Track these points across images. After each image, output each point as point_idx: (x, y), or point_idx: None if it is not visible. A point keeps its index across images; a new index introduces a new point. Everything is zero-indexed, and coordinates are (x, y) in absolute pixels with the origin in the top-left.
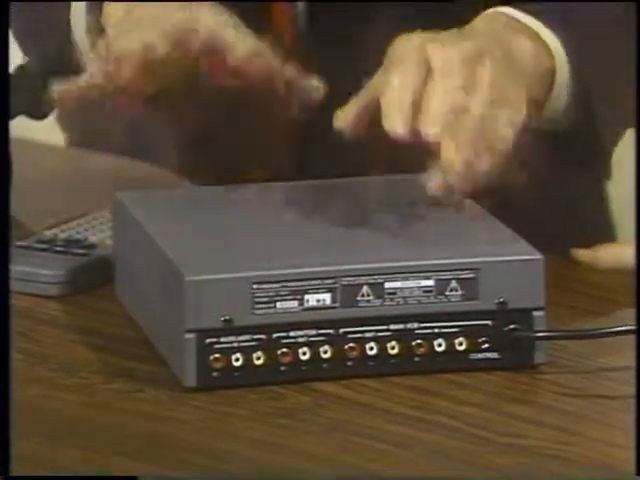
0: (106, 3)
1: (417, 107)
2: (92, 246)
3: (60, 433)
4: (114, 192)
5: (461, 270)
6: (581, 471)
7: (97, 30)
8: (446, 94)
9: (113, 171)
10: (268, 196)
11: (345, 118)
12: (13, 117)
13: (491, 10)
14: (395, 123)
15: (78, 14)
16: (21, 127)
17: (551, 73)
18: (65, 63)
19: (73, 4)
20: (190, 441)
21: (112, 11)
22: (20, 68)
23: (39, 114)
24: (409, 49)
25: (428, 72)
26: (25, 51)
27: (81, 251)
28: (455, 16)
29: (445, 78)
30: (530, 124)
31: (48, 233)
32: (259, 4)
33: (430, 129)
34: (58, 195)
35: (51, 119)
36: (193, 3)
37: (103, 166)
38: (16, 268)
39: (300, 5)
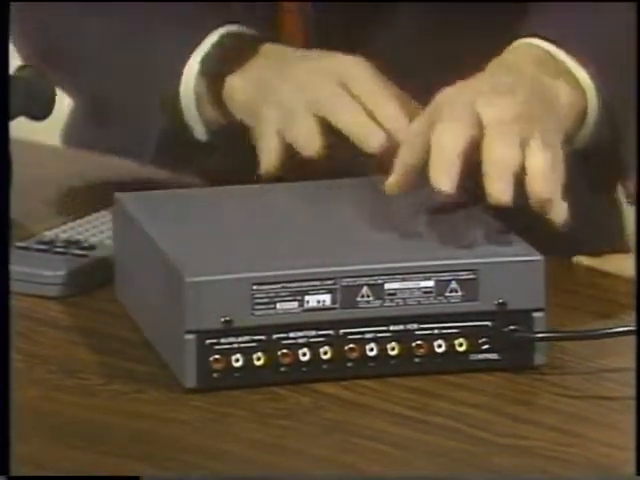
0: (229, 76)
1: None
2: (92, 247)
3: (60, 434)
4: (114, 193)
5: (461, 271)
6: (581, 472)
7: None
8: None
9: (113, 172)
10: (268, 197)
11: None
12: (13, 118)
13: (521, 42)
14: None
15: (188, 87)
16: (21, 128)
17: (584, 111)
18: None
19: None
20: (190, 442)
21: (238, 84)
22: (20, 68)
23: (39, 115)
24: (459, 107)
25: (480, 131)
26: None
27: (81, 252)
28: (464, 20)
29: (501, 141)
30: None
31: (48, 234)
32: (268, 5)
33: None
34: (58, 196)
35: (51, 120)
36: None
37: (103, 167)
38: (16, 269)
39: (310, 7)
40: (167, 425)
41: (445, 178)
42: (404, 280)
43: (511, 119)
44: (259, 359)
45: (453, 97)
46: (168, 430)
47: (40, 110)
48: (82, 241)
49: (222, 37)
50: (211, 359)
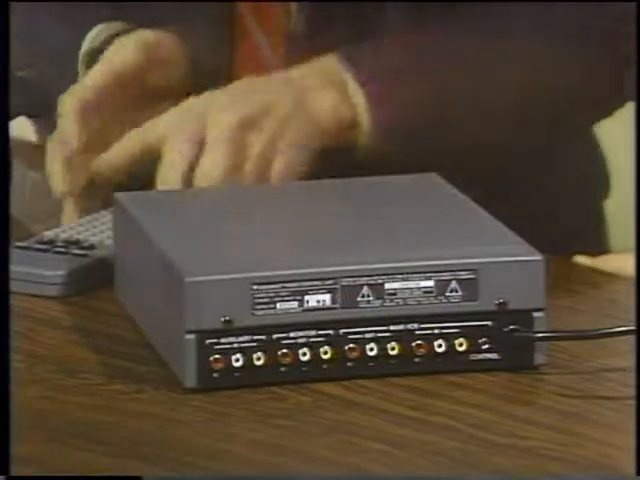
0: None
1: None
2: (92, 247)
3: (60, 434)
4: (114, 192)
5: (461, 271)
6: (581, 472)
7: None
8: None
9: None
10: (268, 196)
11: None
12: (13, 117)
13: (324, 58)
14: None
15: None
16: (21, 127)
17: (352, 120)
18: None
19: None
20: (190, 442)
21: None
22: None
23: (40, 114)
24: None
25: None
26: None
27: (81, 252)
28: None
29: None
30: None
31: (48, 234)
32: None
33: None
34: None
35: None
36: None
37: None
38: (16, 269)
39: (293, 6)
40: (167, 425)
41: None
42: (404, 280)
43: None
44: (259, 359)
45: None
46: (168, 430)
47: (39, 110)
48: (82, 241)
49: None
50: (211, 359)
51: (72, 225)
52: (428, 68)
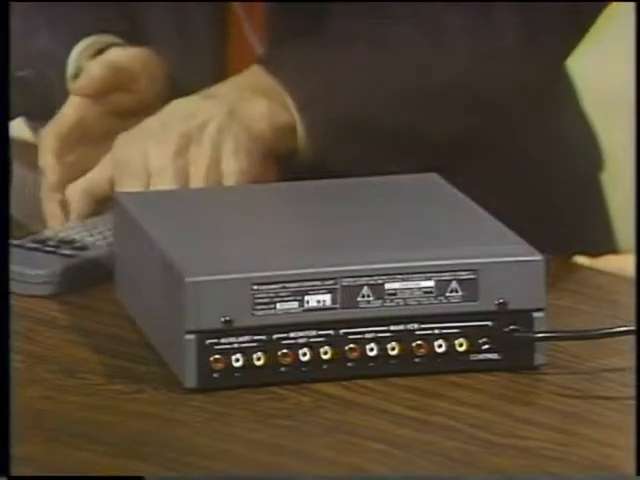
0: None
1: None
2: (84, 247)
3: (60, 434)
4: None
5: (461, 271)
6: (581, 472)
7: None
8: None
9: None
10: (268, 196)
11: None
12: (14, 118)
13: (249, 70)
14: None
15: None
16: (21, 128)
17: (287, 125)
18: None
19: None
20: (190, 442)
21: None
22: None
23: (39, 115)
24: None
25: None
26: None
27: (70, 252)
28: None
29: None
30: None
31: (47, 233)
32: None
33: None
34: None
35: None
36: None
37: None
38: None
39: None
40: (167, 425)
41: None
42: (404, 280)
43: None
44: (259, 359)
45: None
46: (168, 430)
47: (39, 111)
48: (76, 241)
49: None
50: (211, 359)
51: (73, 225)
52: (350, 65)
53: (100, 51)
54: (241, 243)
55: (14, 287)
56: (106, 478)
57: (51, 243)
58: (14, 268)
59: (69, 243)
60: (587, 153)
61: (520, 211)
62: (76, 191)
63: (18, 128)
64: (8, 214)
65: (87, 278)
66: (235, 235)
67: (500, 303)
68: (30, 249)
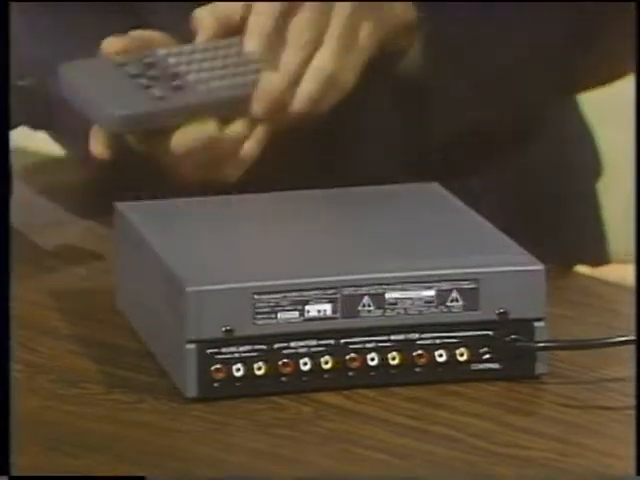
0: None
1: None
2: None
3: (60, 443)
4: (114, 202)
5: (462, 280)
6: None
7: None
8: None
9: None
10: (269, 206)
11: None
12: (14, 127)
13: None
14: None
15: None
16: (22, 137)
17: (411, 24)
18: None
19: None
20: (191, 451)
21: None
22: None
23: (40, 124)
24: None
25: None
26: None
27: (161, 93)
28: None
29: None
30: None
31: (161, 52)
32: None
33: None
34: (59, 205)
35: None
36: None
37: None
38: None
39: None
40: (168, 434)
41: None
42: (405, 289)
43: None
44: (260, 369)
45: None
46: (169, 439)
47: (40, 120)
48: (180, 75)
49: None
50: (212, 369)
51: (193, 48)
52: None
53: None
54: (242, 252)
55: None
56: (106, 478)
57: (152, 73)
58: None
59: (170, 78)
60: (587, 159)
61: (520, 219)
62: (206, 10)
63: (19, 138)
64: (8, 225)
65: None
66: (236, 244)
67: (501, 313)
68: (130, 75)
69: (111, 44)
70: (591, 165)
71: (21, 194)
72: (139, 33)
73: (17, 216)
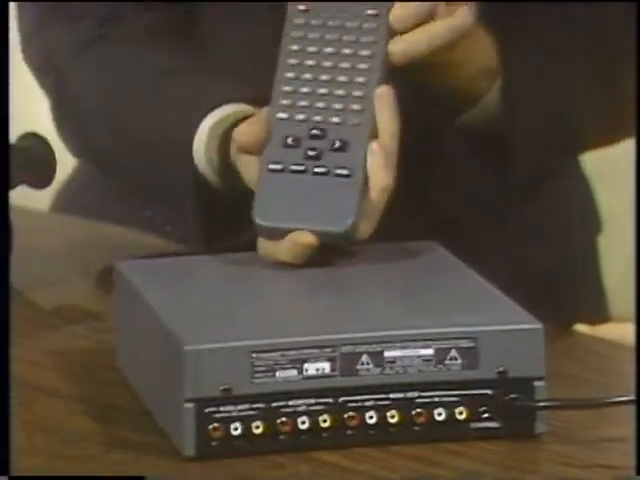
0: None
1: None
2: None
3: None
4: (114, 260)
5: (461, 339)
6: None
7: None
8: None
9: (112, 239)
10: (267, 264)
11: None
12: (14, 187)
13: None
14: None
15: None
16: (22, 196)
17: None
18: None
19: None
20: None
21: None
22: (22, 137)
23: (40, 184)
24: None
25: None
26: None
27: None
28: None
29: None
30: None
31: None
32: None
33: None
34: (59, 263)
35: (52, 188)
36: None
37: (103, 234)
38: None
39: None
40: None
41: None
42: (404, 348)
43: None
44: (258, 427)
45: None
46: None
47: (41, 179)
48: None
49: (233, 112)
50: (210, 427)
51: None
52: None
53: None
54: (240, 311)
55: None
56: (106, 478)
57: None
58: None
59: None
60: (586, 217)
61: (519, 278)
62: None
63: (19, 196)
64: (9, 284)
65: None
66: (234, 302)
67: (500, 371)
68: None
69: (244, 134)
70: (590, 223)
71: (21, 253)
72: (261, 117)
73: (17, 275)
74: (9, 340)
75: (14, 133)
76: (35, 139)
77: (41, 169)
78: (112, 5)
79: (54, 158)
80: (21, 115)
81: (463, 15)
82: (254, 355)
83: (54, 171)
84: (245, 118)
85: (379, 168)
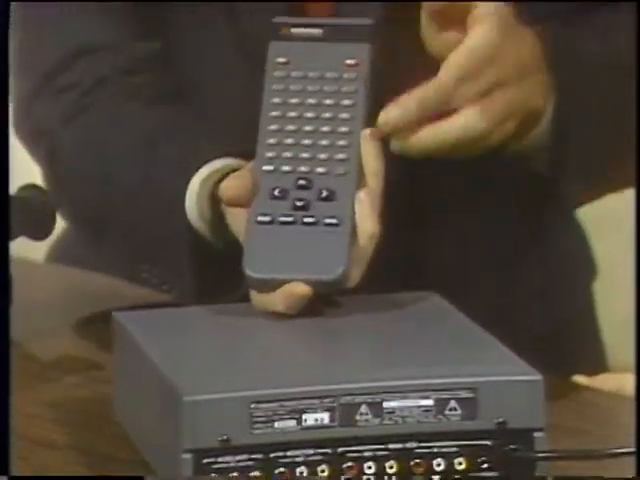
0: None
1: None
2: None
3: None
4: (113, 311)
5: (460, 389)
6: None
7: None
8: None
9: (111, 290)
10: (262, 314)
11: None
12: (14, 238)
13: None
14: None
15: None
16: (22, 247)
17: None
18: None
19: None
20: None
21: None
22: (22, 189)
23: (40, 235)
24: None
25: None
26: None
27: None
28: None
29: None
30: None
31: None
32: None
33: None
34: (57, 315)
35: (52, 239)
36: None
37: (102, 285)
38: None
39: None
40: None
41: None
42: (403, 398)
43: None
44: (256, 478)
45: None
46: None
47: (40, 231)
48: None
49: (222, 166)
50: (208, 478)
51: None
52: None
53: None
54: (238, 361)
55: None
56: (106, 478)
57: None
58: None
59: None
60: (583, 268)
61: (518, 329)
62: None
63: (19, 247)
64: (9, 336)
65: None
66: (232, 353)
67: (500, 422)
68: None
69: (229, 189)
70: (588, 274)
71: (19, 304)
72: (247, 170)
73: (17, 326)
74: (9, 394)
75: (14, 184)
76: (35, 190)
77: (41, 220)
78: (98, 70)
79: (54, 209)
80: (21, 166)
81: (472, 117)
82: (253, 405)
83: (54, 222)
84: (234, 171)
85: (367, 216)
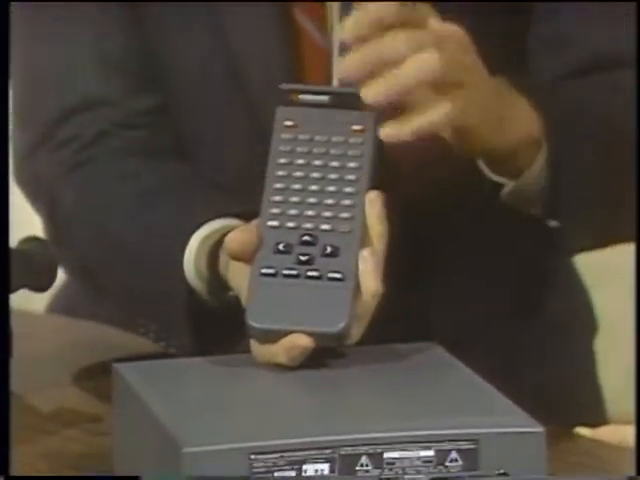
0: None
1: None
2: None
3: None
4: (113, 362)
5: (461, 441)
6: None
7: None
8: None
9: (111, 341)
10: (262, 365)
11: None
12: (15, 290)
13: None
14: None
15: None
16: (23, 299)
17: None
18: None
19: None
20: None
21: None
22: (24, 241)
23: (41, 287)
24: None
25: None
26: None
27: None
28: None
29: None
30: None
31: None
32: None
33: None
34: (59, 367)
35: (52, 291)
36: None
37: (102, 336)
38: None
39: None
40: None
41: None
42: (403, 449)
43: None
44: None
45: None
46: None
47: (42, 283)
48: None
49: (221, 226)
50: None
51: None
52: None
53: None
54: (239, 412)
55: None
56: (106, 478)
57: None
58: None
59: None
60: (583, 319)
61: (519, 381)
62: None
63: (19, 299)
64: (9, 389)
65: None
66: (232, 404)
67: (501, 473)
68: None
69: (234, 241)
70: (588, 327)
71: (19, 356)
72: (252, 225)
73: (16, 379)
74: (9, 447)
75: (15, 237)
76: (36, 243)
77: (42, 272)
78: (97, 124)
79: (54, 261)
80: (21, 219)
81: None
82: (253, 457)
83: (55, 274)
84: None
85: (370, 275)
